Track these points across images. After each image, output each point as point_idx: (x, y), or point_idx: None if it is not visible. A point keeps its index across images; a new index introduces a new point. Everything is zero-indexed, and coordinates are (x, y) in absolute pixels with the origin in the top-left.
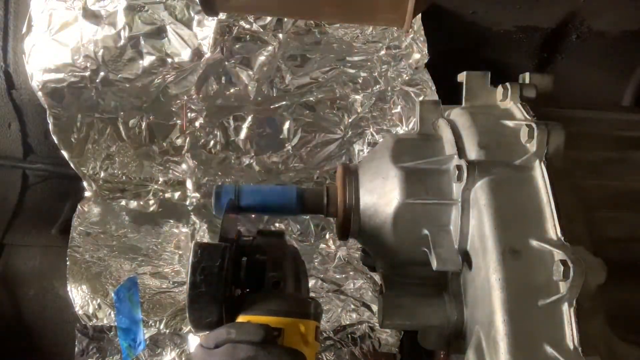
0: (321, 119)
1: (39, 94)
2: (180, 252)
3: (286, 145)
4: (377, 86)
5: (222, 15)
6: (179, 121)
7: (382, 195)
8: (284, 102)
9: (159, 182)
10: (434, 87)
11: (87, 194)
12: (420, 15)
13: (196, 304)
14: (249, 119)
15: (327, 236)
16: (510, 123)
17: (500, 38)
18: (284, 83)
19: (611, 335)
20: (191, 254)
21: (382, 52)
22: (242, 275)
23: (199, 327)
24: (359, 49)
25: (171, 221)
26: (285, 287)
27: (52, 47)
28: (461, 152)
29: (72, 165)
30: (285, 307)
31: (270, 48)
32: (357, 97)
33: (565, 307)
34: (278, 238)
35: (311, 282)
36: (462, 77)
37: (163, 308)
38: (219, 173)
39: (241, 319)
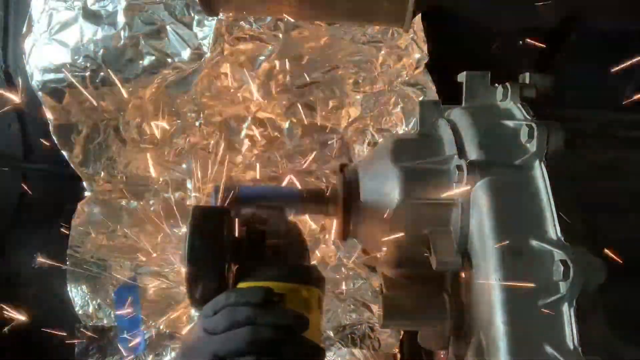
0: (321, 119)
1: (39, 94)
2: (180, 252)
3: (286, 145)
4: (377, 86)
5: (222, 15)
6: (179, 121)
7: (382, 195)
8: (284, 102)
9: (159, 182)
10: (434, 87)
11: (87, 194)
12: (420, 15)
13: (195, 269)
14: (249, 119)
15: (327, 236)
16: (510, 123)
17: (500, 38)
18: (284, 83)
19: (611, 335)
20: (190, 217)
21: (382, 52)
22: (242, 244)
23: (198, 297)
24: (359, 49)
25: (171, 221)
26: (286, 255)
27: (52, 47)
28: (461, 152)
29: (72, 165)
30: (286, 273)
31: (270, 48)
32: (357, 97)
33: (565, 307)
34: (278, 211)
35: None
36: (462, 77)
37: (163, 308)
38: (219, 173)
39: (241, 286)
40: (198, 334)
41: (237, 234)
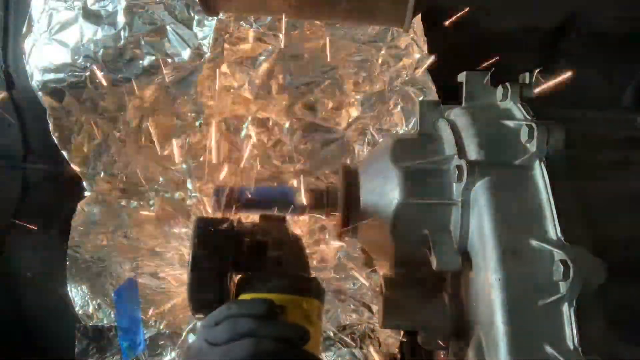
0: (321, 119)
1: (39, 94)
2: (180, 252)
3: (286, 145)
4: (377, 86)
5: (222, 15)
6: (179, 121)
7: (382, 195)
8: (284, 102)
9: (159, 182)
10: (434, 87)
11: (87, 194)
12: (420, 15)
13: (197, 278)
14: (249, 119)
15: (327, 236)
16: (510, 123)
17: (500, 38)
18: (284, 83)
19: (611, 335)
20: (193, 228)
21: (382, 52)
22: (243, 255)
23: (199, 306)
24: (359, 49)
25: (171, 221)
26: (287, 266)
27: (52, 47)
28: (461, 152)
29: (72, 165)
30: (287, 285)
31: (270, 48)
32: (357, 97)
33: (565, 307)
34: (280, 222)
35: None
36: (462, 77)
37: (163, 308)
38: (219, 173)
39: (242, 297)
40: (199, 345)
41: (239, 246)
